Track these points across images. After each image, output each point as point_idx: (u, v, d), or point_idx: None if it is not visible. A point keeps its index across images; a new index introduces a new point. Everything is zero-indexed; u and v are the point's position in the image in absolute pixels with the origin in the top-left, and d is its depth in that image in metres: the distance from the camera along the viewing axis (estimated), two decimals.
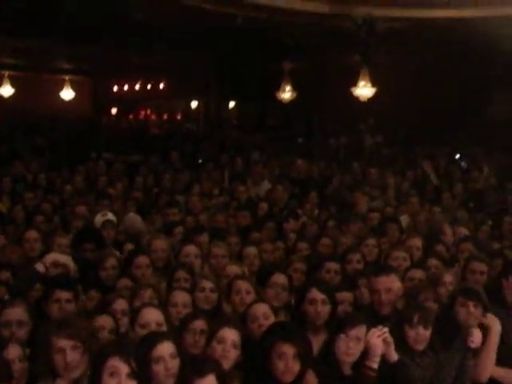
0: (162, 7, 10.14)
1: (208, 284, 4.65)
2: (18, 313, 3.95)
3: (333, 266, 5.30)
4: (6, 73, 20.53)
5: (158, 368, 3.36)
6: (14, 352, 3.48)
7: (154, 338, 3.49)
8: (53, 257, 4.83)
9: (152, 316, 3.92)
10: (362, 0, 10.73)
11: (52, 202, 7.87)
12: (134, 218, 7.09)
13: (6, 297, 4.55)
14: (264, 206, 8.00)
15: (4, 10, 12.56)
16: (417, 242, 6.05)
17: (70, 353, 3.30)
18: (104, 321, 3.96)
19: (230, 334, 3.70)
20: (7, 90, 20.78)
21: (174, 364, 3.39)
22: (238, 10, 9.50)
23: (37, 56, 19.64)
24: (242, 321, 4.18)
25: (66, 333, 3.31)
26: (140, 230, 6.75)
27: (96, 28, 13.27)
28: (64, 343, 3.31)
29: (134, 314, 4.00)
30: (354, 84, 12.34)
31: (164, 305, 4.38)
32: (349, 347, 3.79)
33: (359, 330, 3.81)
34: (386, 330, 3.89)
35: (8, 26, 14.10)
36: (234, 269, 5.05)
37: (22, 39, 16.46)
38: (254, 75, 18.25)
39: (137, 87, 24.76)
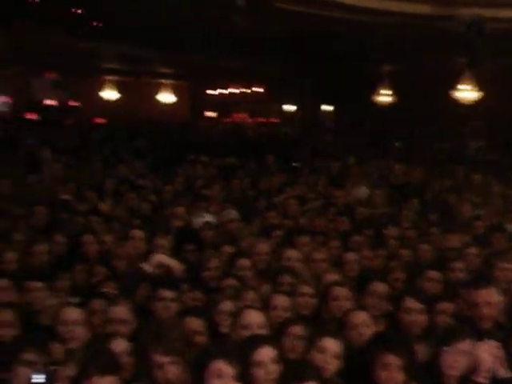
0: (259, 11, 10.19)
1: (308, 289, 4.63)
2: (122, 311, 4.07)
3: (434, 274, 5.14)
4: (111, 78, 21.39)
5: (259, 372, 3.36)
6: (121, 345, 3.58)
7: (256, 341, 3.49)
8: (159, 258, 4.93)
9: (254, 318, 3.92)
10: (467, 0, 10.39)
11: (152, 203, 8.08)
12: (233, 214, 7.10)
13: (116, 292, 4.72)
14: (362, 211, 7.87)
15: (109, 19, 13.10)
16: None
17: (169, 369, 3.30)
18: (195, 323, 4.00)
19: (332, 345, 3.65)
20: (112, 94, 21.62)
21: (275, 369, 3.38)
22: (333, 12, 9.40)
23: (139, 61, 20.32)
24: (339, 327, 4.13)
25: (164, 349, 3.31)
26: (239, 230, 6.76)
27: (196, 34, 13.56)
28: (162, 359, 3.31)
29: (236, 315, 4.02)
30: (456, 87, 11.95)
31: (265, 307, 4.39)
32: (455, 361, 3.65)
33: (466, 344, 3.67)
34: (495, 344, 3.73)
35: (113, 34, 14.68)
36: (331, 276, 5.00)
37: (125, 46, 17.08)
38: (351, 78, 18.07)
39: (233, 91, 25.10)
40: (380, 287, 4.69)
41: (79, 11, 12.21)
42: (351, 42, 13.45)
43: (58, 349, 3.67)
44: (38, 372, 2.97)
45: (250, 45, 15.02)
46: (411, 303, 4.23)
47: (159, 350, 3.31)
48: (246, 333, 3.79)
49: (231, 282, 4.84)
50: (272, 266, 5.53)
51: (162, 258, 4.93)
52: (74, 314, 3.98)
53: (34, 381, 2.91)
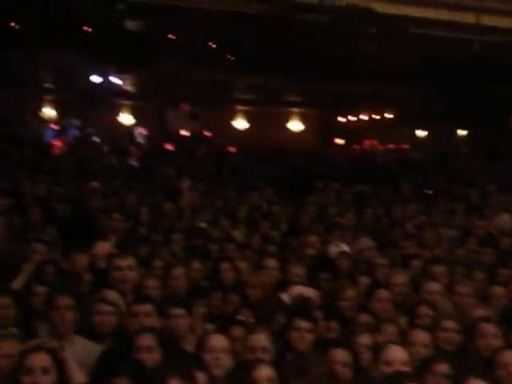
0: (394, 38, 10.04)
1: (451, 324, 4.42)
2: (262, 339, 4.08)
3: None
4: (242, 108, 21.97)
5: None
6: (266, 372, 3.56)
7: (400, 379, 3.35)
8: (299, 289, 4.93)
9: (398, 354, 3.81)
10: None
11: (281, 231, 8.10)
12: (368, 243, 6.96)
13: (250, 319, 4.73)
14: (507, 241, 7.46)
15: (241, 52, 13.49)
16: None
17: None
18: (341, 355, 3.91)
19: None
20: (242, 124, 22.18)
21: None
22: (476, 35, 9.07)
23: (268, 91, 20.71)
24: (487, 366, 3.88)
25: (306, 382, 3.25)
26: (374, 260, 6.61)
27: (324, 63, 13.61)
28: None
29: (378, 349, 3.89)
30: None
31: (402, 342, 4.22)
32: None
33: None
34: None
35: (245, 65, 15.09)
36: (479, 311, 4.73)
37: (256, 76, 17.48)
38: (487, 101, 17.35)
39: (362, 117, 24.89)
40: None
41: (213, 46, 12.67)
42: (489, 64, 12.91)
43: (201, 376, 3.69)
44: None
45: (380, 71, 14.85)
46: None
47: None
48: (389, 369, 3.65)
49: (366, 318, 4.72)
50: (409, 298, 5.34)
51: (301, 289, 4.92)
52: (220, 341, 4.01)
53: None
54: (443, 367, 3.73)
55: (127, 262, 5.16)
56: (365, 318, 4.70)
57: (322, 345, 4.36)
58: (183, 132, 22.74)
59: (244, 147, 20.07)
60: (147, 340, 3.95)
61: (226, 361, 3.92)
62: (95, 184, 10.98)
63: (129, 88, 19.03)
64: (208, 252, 6.93)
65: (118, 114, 21.51)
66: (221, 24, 10.35)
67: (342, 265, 6.13)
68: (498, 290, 5.29)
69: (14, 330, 4.01)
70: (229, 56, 14.19)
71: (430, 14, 9.08)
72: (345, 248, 6.52)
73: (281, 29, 9.89)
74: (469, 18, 8.92)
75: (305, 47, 12.04)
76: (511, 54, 11.27)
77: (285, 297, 4.81)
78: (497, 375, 3.80)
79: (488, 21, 9.24)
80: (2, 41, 12.91)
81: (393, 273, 5.55)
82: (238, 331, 4.35)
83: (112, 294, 4.80)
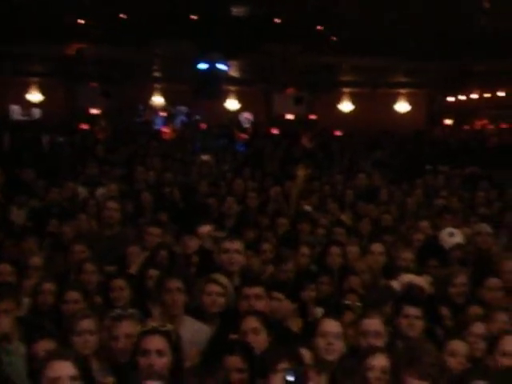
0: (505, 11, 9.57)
1: None
2: (376, 324, 4.05)
3: None
4: (348, 90, 21.69)
5: None
6: (379, 361, 3.56)
7: None
8: (409, 277, 4.85)
9: None
10: None
11: (393, 215, 7.97)
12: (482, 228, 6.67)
13: (357, 303, 4.72)
14: None
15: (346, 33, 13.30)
16: None
17: None
18: (458, 346, 3.81)
19: None
20: (347, 107, 21.91)
21: None
22: None
23: (375, 72, 20.33)
24: None
25: (420, 373, 3.18)
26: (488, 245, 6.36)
27: (430, 41, 13.19)
28: (416, 383, 3.19)
29: (494, 340, 3.76)
30: None
31: None
32: None
33: None
34: None
35: (351, 47, 14.89)
36: None
37: (361, 57, 17.21)
38: None
39: (473, 97, 23.92)
40: None
41: (319, 27, 12.60)
42: None
43: (307, 354, 3.71)
44: (290, 372, 3.04)
45: (492, 47, 14.21)
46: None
47: (415, 374, 3.19)
48: (507, 360, 3.53)
49: (476, 310, 4.57)
50: None
51: (412, 277, 4.84)
52: (333, 326, 3.98)
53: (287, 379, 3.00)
54: None
55: (235, 245, 5.25)
56: (474, 312, 4.55)
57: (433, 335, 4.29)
58: (289, 116, 22.78)
59: (350, 130, 19.86)
60: (253, 322, 4.00)
61: (340, 346, 3.91)
62: (206, 157, 11.27)
63: (235, 74, 19.24)
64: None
65: (224, 100, 21.83)
66: (325, 5, 10.26)
67: (455, 255, 5.90)
68: None
69: (132, 311, 4.19)
70: (335, 38, 14.05)
71: None
72: (457, 235, 6.28)
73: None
74: None
75: (411, 27, 11.72)
76: None
77: (395, 284, 4.74)
78: None
79: None
80: (113, 33, 13.41)
81: (505, 260, 5.32)
82: (349, 316, 4.33)
83: (221, 276, 4.91)
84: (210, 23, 10.69)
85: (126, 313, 4.09)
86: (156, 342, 3.49)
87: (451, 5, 7.81)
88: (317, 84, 20.54)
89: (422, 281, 4.85)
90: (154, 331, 3.55)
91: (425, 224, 7.04)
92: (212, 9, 10.20)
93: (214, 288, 4.64)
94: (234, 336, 4.12)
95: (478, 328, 4.05)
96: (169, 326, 3.66)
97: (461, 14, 7.79)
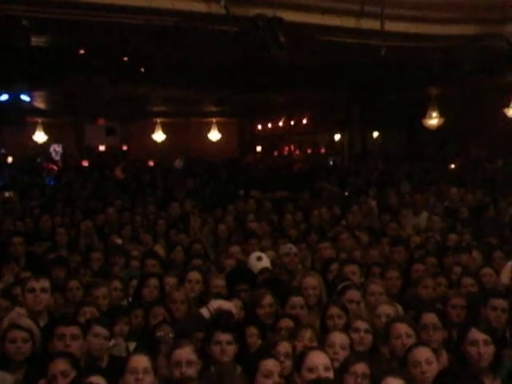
0: (303, 44, 10.22)
1: (363, 325, 4.51)
2: (187, 352, 4.04)
3: (499, 302, 4.93)
4: (160, 120, 21.80)
5: None
6: None
7: None
8: (218, 303, 4.93)
9: (320, 360, 3.85)
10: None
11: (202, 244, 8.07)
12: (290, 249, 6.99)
13: (171, 335, 4.70)
14: (416, 239, 7.73)
15: (153, 64, 13.39)
16: None
17: None
18: (272, 365, 3.93)
19: None
20: (160, 136, 22.01)
21: None
22: (382, 41, 9.35)
23: (186, 102, 20.66)
24: (401, 364, 4.01)
25: None
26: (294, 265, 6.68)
27: (242, 73, 13.69)
28: None
29: (299, 357, 3.93)
30: (508, 105, 11.67)
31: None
32: None
33: None
34: None
35: (160, 78, 14.99)
36: (387, 309, 4.85)
37: (171, 88, 17.39)
38: (398, 103, 17.91)
39: (280, 124, 25.20)
40: (429, 318, 4.52)
41: (125, 59, 12.52)
42: (398, 67, 13.34)
43: None
44: None
45: (293, 78, 15.08)
46: (476, 334, 4.07)
47: None
48: (312, 375, 3.70)
49: (287, 322, 4.75)
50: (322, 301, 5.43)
51: (220, 303, 4.92)
52: (143, 361, 3.90)
53: None
54: (362, 367, 3.79)
55: (41, 284, 5.03)
56: (285, 324, 4.74)
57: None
58: (101, 147, 22.38)
59: (164, 159, 19.95)
60: (62, 365, 3.86)
61: (149, 381, 3.86)
62: (8, 193, 10.68)
63: (41, 105, 18.55)
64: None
65: (32, 133, 20.91)
66: (131, 37, 10.24)
67: (262, 279, 6.09)
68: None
69: None
70: (142, 69, 14.06)
71: (335, 21, 9.33)
72: (265, 259, 6.51)
73: (190, 40, 9.87)
74: (373, 25, 9.21)
75: (215, 57, 12.08)
76: (415, 56, 11.70)
77: (204, 311, 4.81)
78: (410, 373, 3.90)
79: (392, 27, 9.56)
80: None
81: (305, 276, 5.60)
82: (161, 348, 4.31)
83: (26, 320, 4.67)
84: (8, 53, 10.20)
85: None
86: None
87: (250, 39, 8.21)
88: (128, 114, 20.43)
89: (231, 305, 4.96)
90: None
91: (235, 249, 7.22)
92: (11, 39, 9.73)
93: (17, 334, 4.40)
94: (41, 381, 3.95)
95: (284, 347, 4.21)
96: None
97: (258, 47, 8.20)
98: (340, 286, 5.36)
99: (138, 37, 10.12)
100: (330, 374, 3.85)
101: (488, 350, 4.02)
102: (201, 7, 8.60)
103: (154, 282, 5.92)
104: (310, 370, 3.83)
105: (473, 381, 3.49)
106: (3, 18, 8.18)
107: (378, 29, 9.34)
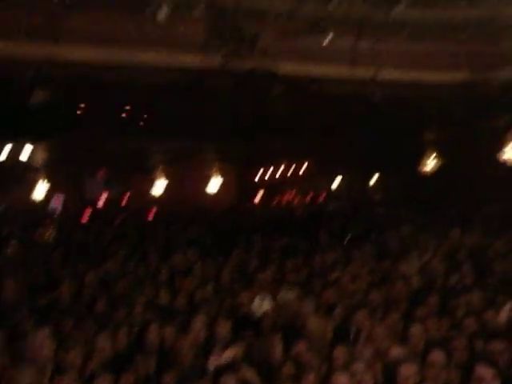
0: (300, 96, 10.41)
1: (360, 367, 4.57)
2: None
3: (499, 345, 4.95)
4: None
5: None
6: None
7: None
8: (226, 354, 4.97)
9: None
10: (500, 63, 10.45)
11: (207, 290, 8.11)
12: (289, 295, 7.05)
13: None
14: (418, 280, 7.80)
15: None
16: None
17: None
18: None
19: None
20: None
21: None
22: (376, 88, 9.58)
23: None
24: None
25: None
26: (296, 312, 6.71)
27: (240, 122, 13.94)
28: None
29: None
30: (502, 148, 11.86)
31: None
32: None
33: None
34: None
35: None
36: (397, 351, 4.90)
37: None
38: (396, 148, 18.09)
39: (279, 171, 25.38)
40: (439, 356, 4.56)
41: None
42: (393, 112, 13.55)
43: None
44: None
45: (291, 127, 15.32)
46: (483, 371, 4.11)
47: None
48: None
49: (290, 370, 4.80)
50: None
51: (226, 354, 4.97)
52: None
53: None
54: None
55: None
56: (288, 369, 4.79)
57: None
58: None
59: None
60: None
61: None
62: None
63: None
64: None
65: None
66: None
67: (267, 324, 6.13)
68: (415, 330, 5.44)
69: None
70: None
71: (329, 71, 9.56)
72: (267, 304, 6.56)
73: (186, 94, 10.06)
74: (366, 73, 9.42)
75: (211, 111, 12.30)
76: (408, 103, 11.93)
77: (211, 362, 4.87)
78: None
79: (386, 74, 9.77)
80: None
81: (311, 319, 5.65)
82: None
83: None
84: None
85: None
86: None
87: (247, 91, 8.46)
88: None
89: (235, 352, 4.98)
90: None
91: (239, 295, 7.25)
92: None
93: None
94: None
95: None
96: None
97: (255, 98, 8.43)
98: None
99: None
100: None
101: None
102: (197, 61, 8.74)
103: (154, 330, 5.93)
104: None
105: None
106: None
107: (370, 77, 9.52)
